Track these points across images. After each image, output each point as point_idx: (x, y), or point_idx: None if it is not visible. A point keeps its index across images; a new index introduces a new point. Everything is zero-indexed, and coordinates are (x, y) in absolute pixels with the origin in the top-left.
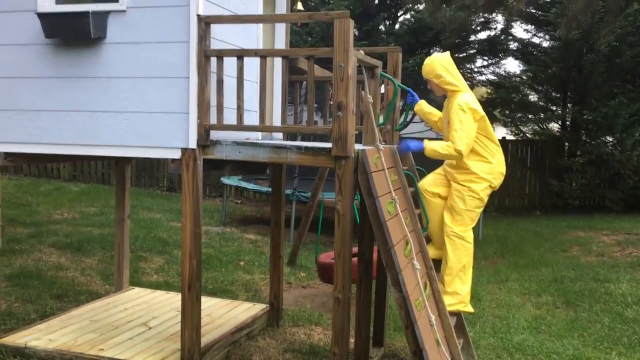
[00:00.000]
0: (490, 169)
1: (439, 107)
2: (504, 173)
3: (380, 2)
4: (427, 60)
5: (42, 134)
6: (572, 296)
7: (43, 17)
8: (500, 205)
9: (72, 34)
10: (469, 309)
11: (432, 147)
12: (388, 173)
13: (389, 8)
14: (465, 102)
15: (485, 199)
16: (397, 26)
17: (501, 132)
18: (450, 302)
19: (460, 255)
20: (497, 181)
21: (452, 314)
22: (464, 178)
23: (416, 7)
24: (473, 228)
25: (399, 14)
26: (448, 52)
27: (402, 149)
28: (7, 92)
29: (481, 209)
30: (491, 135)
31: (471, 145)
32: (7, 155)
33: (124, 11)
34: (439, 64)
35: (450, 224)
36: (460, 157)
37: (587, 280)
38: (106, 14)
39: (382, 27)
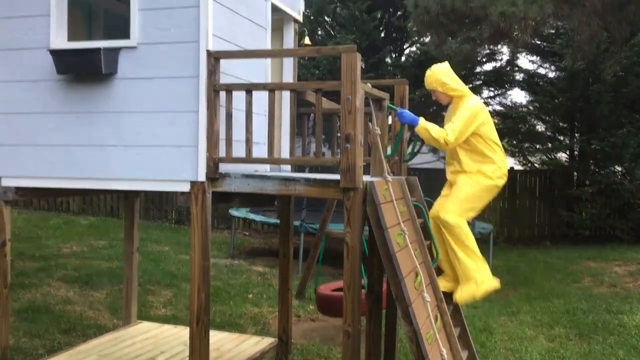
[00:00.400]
0: (494, 169)
1: None
2: (507, 173)
3: (387, 35)
4: (429, 72)
5: (53, 168)
6: (585, 328)
7: (55, 53)
8: (509, 236)
9: (84, 70)
10: (494, 284)
11: (426, 126)
12: (397, 204)
13: (395, 41)
14: (472, 105)
15: (485, 199)
16: (403, 58)
17: (509, 162)
18: (473, 289)
19: (462, 241)
20: (502, 181)
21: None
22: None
23: (422, 39)
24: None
25: (404, 47)
26: (447, 62)
27: (399, 113)
28: (18, 128)
29: (478, 209)
30: (495, 137)
31: (459, 143)
32: (18, 189)
33: (134, 47)
34: (441, 72)
35: (444, 215)
36: (445, 147)
37: (600, 312)
38: (117, 50)
39: (388, 60)
